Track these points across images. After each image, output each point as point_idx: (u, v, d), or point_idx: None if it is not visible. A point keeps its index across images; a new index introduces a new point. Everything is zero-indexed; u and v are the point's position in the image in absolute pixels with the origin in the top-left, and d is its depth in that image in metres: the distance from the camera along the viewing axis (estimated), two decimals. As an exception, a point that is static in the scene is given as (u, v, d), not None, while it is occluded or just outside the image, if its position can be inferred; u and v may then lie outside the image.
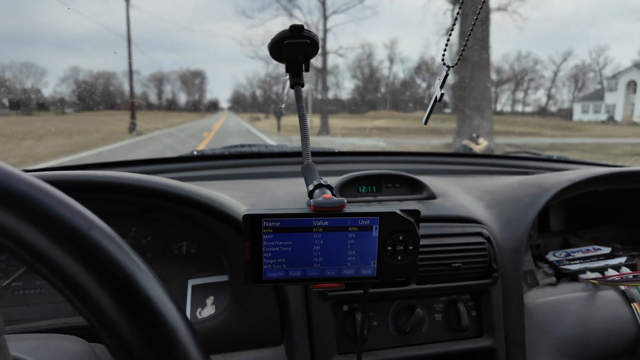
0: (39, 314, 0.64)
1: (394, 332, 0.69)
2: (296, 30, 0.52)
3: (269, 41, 0.55)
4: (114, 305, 0.27)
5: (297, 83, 0.56)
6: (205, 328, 0.64)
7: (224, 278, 0.71)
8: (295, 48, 0.53)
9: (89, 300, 0.27)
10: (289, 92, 0.60)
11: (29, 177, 0.29)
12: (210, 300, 0.69)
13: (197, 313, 0.68)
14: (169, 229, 0.73)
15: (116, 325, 0.27)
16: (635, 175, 0.89)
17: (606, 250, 0.91)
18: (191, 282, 0.70)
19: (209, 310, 0.68)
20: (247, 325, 0.66)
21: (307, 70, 0.57)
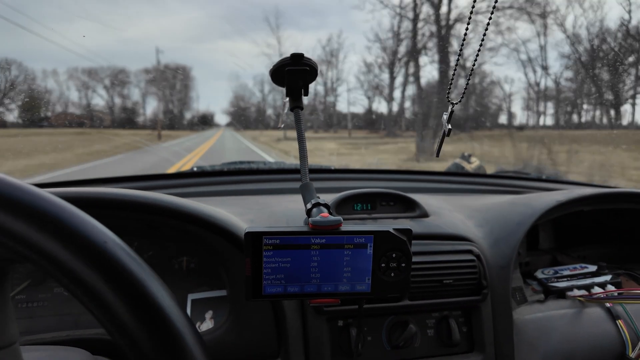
0: (43, 326, 0.66)
1: (387, 347, 0.71)
2: (296, 58, 0.56)
3: (271, 67, 0.59)
4: (129, 311, 0.30)
5: (296, 106, 0.59)
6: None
7: (222, 293, 0.73)
8: (295, 74, 0.57)
9: (103, 306, 0.30)
10: (288, 114, 0.63)
11: (54, 197, 0.31)
12: (209, 314, 0.71)
13: (196, 327, 0.69)
14: (170, 244, 0.75)
15: (134, 334, 0.30)
16: (619, 196, 0.93)
17: (592, 268, 0.94)
18: (191, 297, 0.72)
19: (207, 324, 0.70)
20: (245, 339, 0.67)
21: (306, 94, 0.61)
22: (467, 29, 0.53)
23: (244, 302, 0.68)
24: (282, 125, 0.78)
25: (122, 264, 0.31)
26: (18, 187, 0.29)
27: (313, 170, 1.27)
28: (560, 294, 0.86)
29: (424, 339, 0.73)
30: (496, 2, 0.50)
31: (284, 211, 0.85)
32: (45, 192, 0.31)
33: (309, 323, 0.67)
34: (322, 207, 0.50)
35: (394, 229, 0.48)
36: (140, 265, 0.33)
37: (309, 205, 0.51)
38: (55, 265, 0.29)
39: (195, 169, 1.21)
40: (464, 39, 0.54)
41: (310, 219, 0.48)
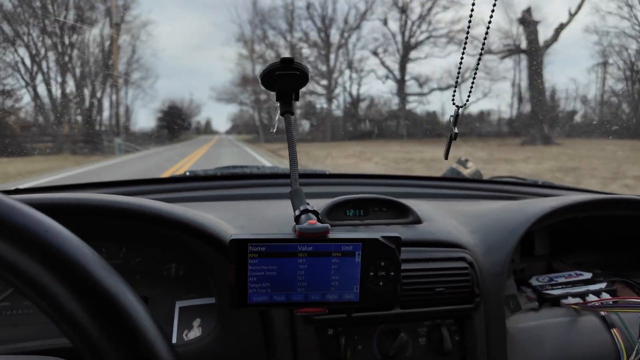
0: (27, 334, 0.64)
1: (378, 356, 0.70)
2: (287, 62, 0.55)
3: (261, 71, 0.59)
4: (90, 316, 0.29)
5: (287, 111, 0.59)
6: (191, 350, 0.65)
7: (211, 300, 0.71)
8: (285, 79, 0.56)
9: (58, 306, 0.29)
10: (279, 119, 0.63)
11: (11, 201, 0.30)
12: (196, 322, 0.70)
13: (184, 335, 0.68)
14: (158, 251, 0.74)
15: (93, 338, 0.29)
16: (613, 202, 0.92)
17: (587, 275, 0.93)
18: (178, 304, 0.71)
19: (195, 332, 0.69)
20: (233, 348, 0.66)
21: (297, 99, 0.60)
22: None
23: (232, 311, 0.67)
24: (274, 130, 0.78)
25: (66, 253, 0.29)
26: None
27: (307, 175, 1.26)
28: (555, 301, 0.85)
29: (416, 347, 0.72)
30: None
31: (275, 217, 0.84)
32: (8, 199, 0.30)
33: (297, 332, 0.66)
34: (310, 214, 0.49)
35: (383, 237, 0.47)
36: (91, 255, 0.31)
37: (297, 212, 0.50)
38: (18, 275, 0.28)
39: (187, 173, 1.20)
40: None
41: (297, 226, 0.47)
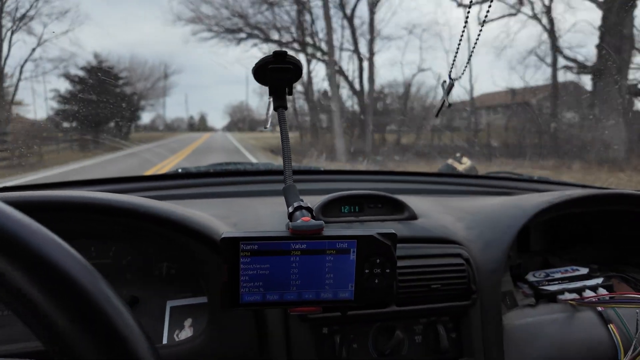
0: (12, 336, 0.62)
1: (374, 354, 0.69)
2: (280, 56, 0.54)
3: (254, 65, 0.57)
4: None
5: (280, 106, 0.57)
6: (182, 351, 0.63)
7: (203, 300, 0.70)
8: (278, 73, 0.55)
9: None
10: (273, 114, 0.61)
11: None
12: (188, 322, 0.68)
13: (175, 335, 0.67)
14: (150, 250, 0.72)
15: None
16: (609, 197, 0.91)
17: (584, 270, 0.92)
18: (170, 304, 0.69)
19: (186, 332, 0.67)
20: (225, 348, 0.65)
21: (290, 93, 0.59)
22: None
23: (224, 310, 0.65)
24: (268, 126, 0.76)
25: (42, 252, 0.28)
26: None
27: (302, 172, 1.24)
28: (552, 297, 0.85)
29: (412, 345, 0.71)
30: None
31: (270, 213, 0.83)
32: None
33: (292, 330, 0.65)
34: (304, 211, 0.48)
35: (378, 234, 0.46)
36: (70, 253, 0.29)
37: (290, 209, 0.49)
38: None
39: (180, 170, 1.18)
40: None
41: (290, 223, 0.45)
